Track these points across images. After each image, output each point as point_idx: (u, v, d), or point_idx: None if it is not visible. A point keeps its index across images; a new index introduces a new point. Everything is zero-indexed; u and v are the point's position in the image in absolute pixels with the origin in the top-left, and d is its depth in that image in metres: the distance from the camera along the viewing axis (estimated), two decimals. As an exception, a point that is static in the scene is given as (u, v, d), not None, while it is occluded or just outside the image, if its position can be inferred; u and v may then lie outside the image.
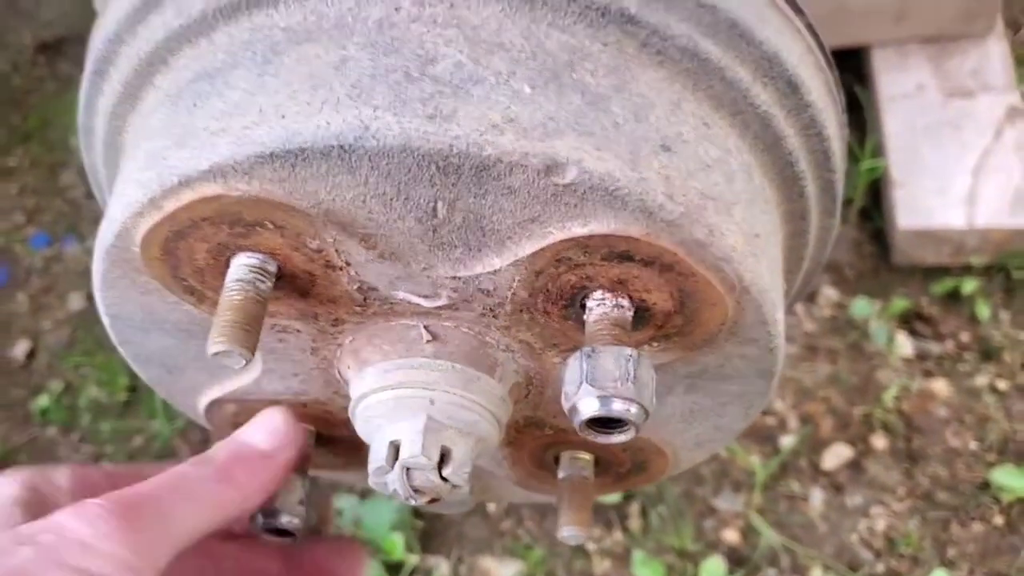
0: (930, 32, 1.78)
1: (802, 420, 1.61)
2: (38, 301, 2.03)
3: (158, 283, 0.62)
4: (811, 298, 1.71)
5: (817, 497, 1.55)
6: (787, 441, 1.59)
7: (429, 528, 1.60)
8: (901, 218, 1.66)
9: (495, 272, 0.58)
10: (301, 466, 0.74)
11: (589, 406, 0.53)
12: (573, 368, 0.55)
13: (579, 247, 0.55)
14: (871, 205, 1.77)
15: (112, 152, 0.72)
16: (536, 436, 0.75)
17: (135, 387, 1.85)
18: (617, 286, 0.58)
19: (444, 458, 0.62)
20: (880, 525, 1.52)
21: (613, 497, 1.56)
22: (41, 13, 2.47)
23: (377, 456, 0.62)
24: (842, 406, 1.62)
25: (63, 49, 2.43)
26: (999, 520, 1.50)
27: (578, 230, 0.54)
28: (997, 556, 1.47)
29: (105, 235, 0.60)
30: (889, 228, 1.71)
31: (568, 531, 0.72)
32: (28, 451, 1.84)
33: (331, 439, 0.77)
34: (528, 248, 0.56)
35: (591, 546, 1.55)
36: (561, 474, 0.76)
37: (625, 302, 0.58)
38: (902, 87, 1.78)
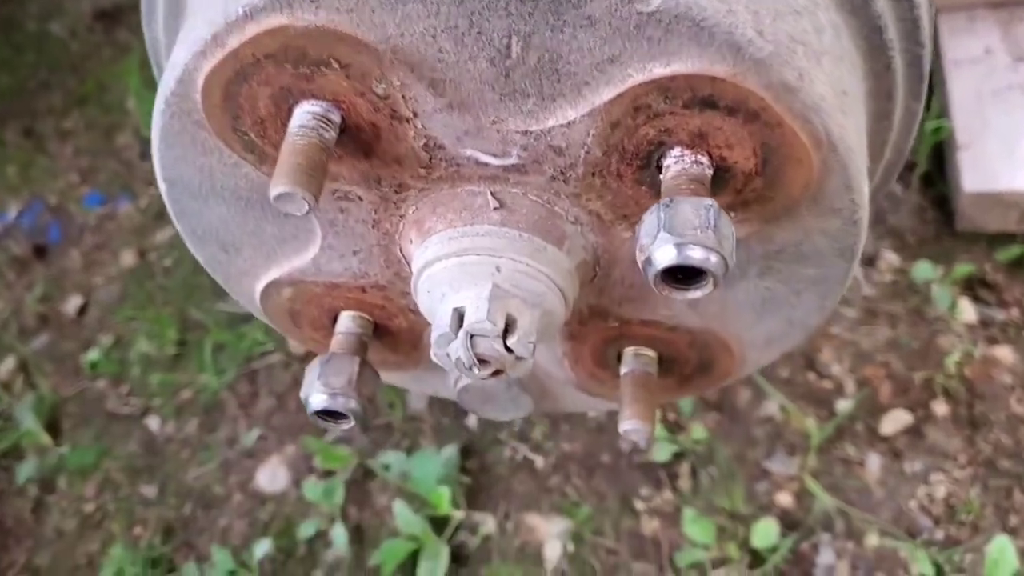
0: (999, -3, 1.73)
1: (859, 384, 1.56)
2: (91, 258, 2.04)
3: (218, 139, 0.60)
4: (871, 262, 1.67)
5: (874, 462, 1.51)
6: (844, 405, 1.55)
7: (476, 484, 1.58)
8: (966, 181, 1.61)
9: (569, 125, 0.56)
10: (358, 351, 0.72)
11: (666, 254, 0.51)
12: (649, 220, 0.52)
13: (660, 91, 0.53)
14: (934, 170, 1.72)
15: (172, 20, 0.70)
16: (599, 329, 0.72)
17: (184, 341, 1.85)
18: (697, 141, 0.55)
19: (509, 327, 0.60)
20: (940, 492, 1.47)
21: (662, 455, 1.52)
22: (99, -19, 2.50)
23: (441, 323, 0.60)
24: (902, 371, 1.57)
25: (120, 17, 2.46)
26: (1066, 489, 1.44)
27: (659, 70, 0.52)
28: (1063, 526, 1.42)
29: (167, 82, 0.58)
30: (953, 192, 1.66)
31: (630, 424, 0.69)
32: (77, 402, 1.85)
33: (388, 331, 0.75)
34: (606, 94, 0.54)
35: (640, 505, 1.51)
36: (624, 369, 0.73)
37: (704, 159, 0.56)
38: (969, 51, 1.73)
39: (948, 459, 1.50)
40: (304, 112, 0.56)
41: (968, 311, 1.60)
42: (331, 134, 0.56)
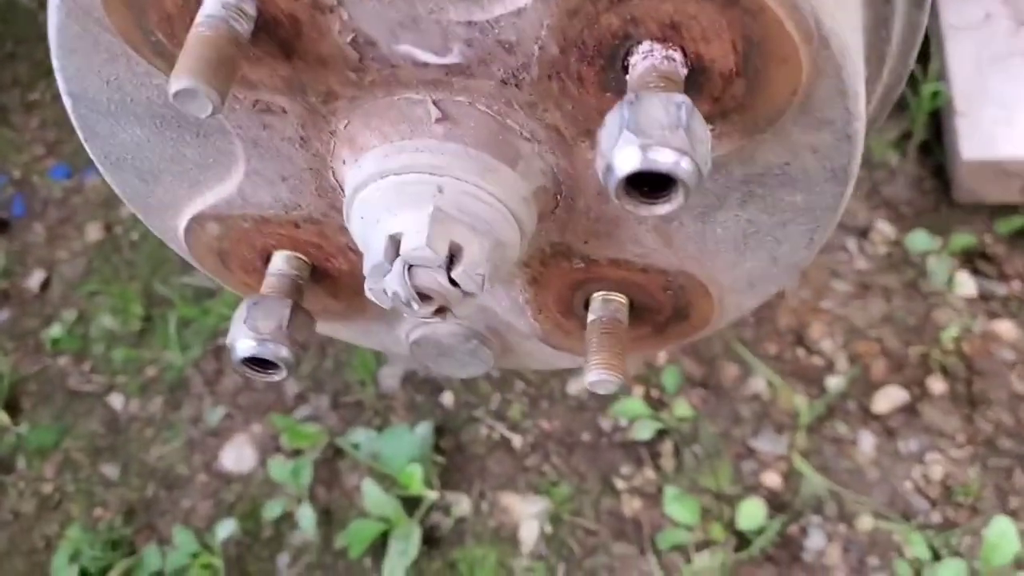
0: (1000, -41, 1.66)
1: (852, 361, 1.49)
2: (55, 232, 1.96)
3: (123, 40, 0.52)
4: (864, 234, 1.59)
5: (867, 442, 1.44)
6: (835, 382, 1.48)
7: (450, 463, 1.50)
8: (965, 149, 1.54)
9: (519, 12, 0.49)
10: (291, 295, 0.64)
11: (629, 158, 0.43)
12: (611, 120, 0.45)
13: (623, -32, 0.45)
14: (932, 138, 1.65)
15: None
16: (564, 271, 0.65)
17: (149, 316, 1.77)
18: (668, 33, 0.48)
19: (454, 256, 0.52)
20: (936, 472, 1.40)
21: (644, 433, 1.45)
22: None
23: (374, 252, 0.53)
24: (896, 347, 1.50)
25: (90, -15, 2.37)
26: (1068, 469, 1.37)
27: (622, -59, 0.44)
28: (1066, 507, 1.35)
29: (59, -29, 0.51)
30: (951, 161, 1.59)
31: (597, 374, 0.62)
32: (38, 380, 1.77)
33: (328, 275, 0.68)
34: (560, -26, 0.46)
35: (620, 484, 1.44)
36: (591, 317, 0.66)
37: (677, 55, 0.48)
38: (969, 16, 1.66)
39: (945, 438, 1.43)
40: (214, 1, 0.48)
41: (967, 284, 1.53)
42: (244, 26, 0.48)
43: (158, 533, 1.58)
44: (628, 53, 0.49)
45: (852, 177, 0.55)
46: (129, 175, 0.63)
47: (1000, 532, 1.29)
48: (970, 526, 1.35)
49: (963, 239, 1.55)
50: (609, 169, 0.44)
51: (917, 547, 1.33)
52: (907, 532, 1.35)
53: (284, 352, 0.61)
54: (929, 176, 1.64)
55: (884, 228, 1.59)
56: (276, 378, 0.63)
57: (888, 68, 0.65)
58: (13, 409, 1.75)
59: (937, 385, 1.46)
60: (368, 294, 0.54)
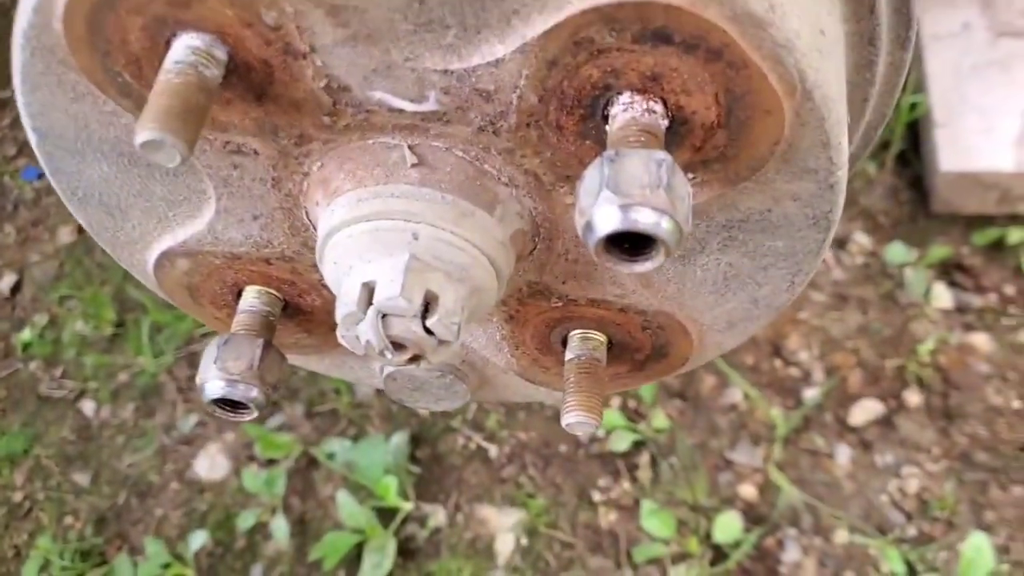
0: (979, -31, 1.66)
1: (828, 372, 1.49)
2: (26, 233, 1.93)
3: (88, 80, 0.51)
4: (841, 245, 1.59)
5: (843, 454, 1.44)
6: (811, 394, 1.48)
7: (426, 473, 1.49)
8: (943, 160, 1.54)
9: (497, 63, 0.47)
10: (263, 332, 0.63)
11: (609, 218, 0.42)
12: (591, 176, 0.43)
13: (604, 22, 0.44)
14: (909, 149, 1.65)
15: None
16: (542, 309, 0.64)
17: (122, 322, 1.75)
18: (649, 85, 0.46)
19: (429, 305, 0.51)
20: (912, 486, 1.40)
21: (621, 445, 1.45)
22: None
23: (347, 299, 0.51)
24: (873, 359, 1.50)
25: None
26: (1042, 483, 1.38)
27: (603, -6, 0.43)
28: (1039, 521, 1.35)
29: (23, 9, 0.49)
30: (929, 172, 1.59)
31: (574, 417, 0.61)
32: (7, 385, 1.74)
33: (301, 310, 0.66)
34: (540, 25, 0.45)
35: (597, 496, 1.44)
36: (569, 355, 0.65)
37: (658, 107, 0.47)
38: (947, 25, 1.66)
39: (921, 452, 1.43)
40: (183, 46, 0.47)
41: (943, 296, 1.53)
42: (214, 72, 0.47)
43: (129, 542, 1.56)
44: (608, 103, 0.48)
45: (834, 224, 0.55)
46: (96, 211, 0.61)
47: (976, 547, 1.30)
48: (946, 541, 1.35)
49: (940, 250, 1.55)
50: (589, 227, 0.43)
51: (893, 562, 1.33)
52: (883, 546, 1.35)
53: (254, 393, 0.59)
54: (907, 187, 1.64)
55: (861, 239, 1.59)
56: (246, 418, 0.61)
57: (871, 107, 0.65)
58: (-18, 415, 1.72)
59: (913, 398, 1.47)
60: (340, 340, 0.53)
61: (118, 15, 0.47)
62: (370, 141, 0.52)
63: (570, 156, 0.51)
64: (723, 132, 0.48)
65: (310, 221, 0.57)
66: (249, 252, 0.61)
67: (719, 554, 1.37)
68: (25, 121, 0.57)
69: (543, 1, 0.44)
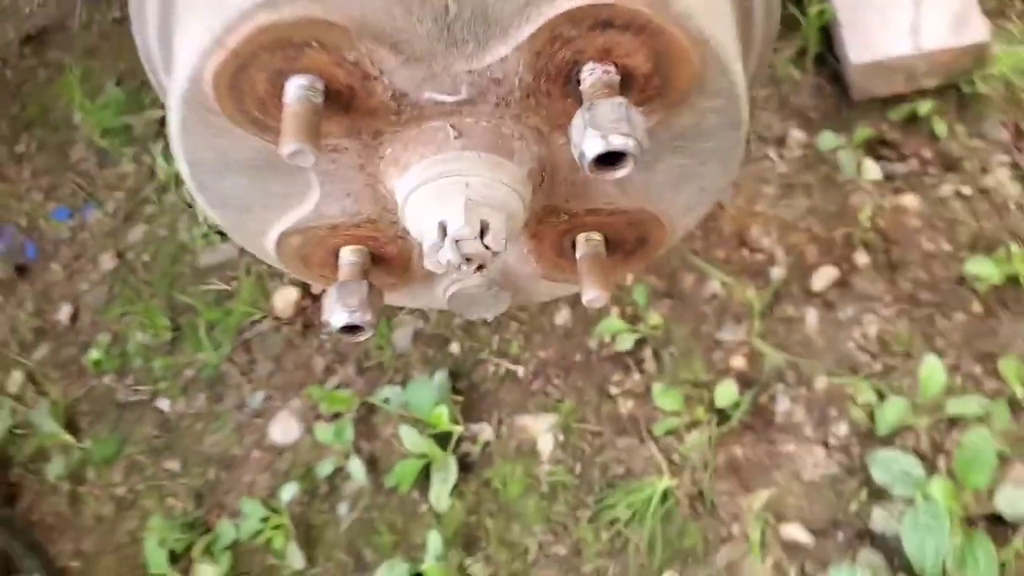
0: None
1: (788, 251, 1.75)
2: (71, 268, 2.16)
3: (228, 120, 0.75)
4: (781, 142, 1.85)
5: (812, 316, 1.70)
6: (777, 272, 1.74)
7: (468, 400, 1.75)
8: (853, 55, 1.79)
9: (503, 60, 0.72)
10: (363, 277, 0.88)
11: (594, 145, 0.67)
12: (577, 122, 0.69)
13: (570, 21, 0.69)
14: (825, 51, 1.90)
15: (164, 27, 0.84)
16: (554, 224, 0.89)
17: (177, 326, 1.99)
18: (604, 55, 0.71)
19: (484, 229, 0.76)
20: (872, 330, 1.67)
21: (625, 345, 1.71)
22: (20, 7, 2.57)
23: (430, 236, 0.76)
24: (823, 233, 1.76)
25: (47, 38, 2.52)
26: (978, 308, 1.65)
27: (566, 4, 0.68)
28: (980, 339, 1.62)
29: (179, 81, 0.73)
30: (844, 67, 1.84)
31: (592, 294, 0.86)
32: (88, 400, 1.98)
33: (383, 258, 0.91)
34: (527, 30, 0.69)
35: (614, 390, 1.70)
36: (579, 254, 0.90)
37: (612, 69, 0.72)
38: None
39: (875, 301, 1.70)
40: (295, 86, 0.71)
41: (873, 170, 1.79)
42: (319, 99, 0.71)
43: (227, 509, 1.81)
44: (579, 72, 0.73)
45: (745, 123, 0.80)
46: (231, 212, 0.86)
47: (930, 368, 1.56)
48: (906, 368, 1.62)
49: (864, 131, 1.81)
50: (583, 155, 0.68)
51: (866, 393, 1.60)
52: (856, 383, 1.62)
53: (369, 317, 0.84)
54: (828, 83, 1.89)
55: (797, 134, 1.85)
56: (363, 338, 0.86)
57: (758, 28, 0.90)
58: (73, 429, 1.96)
59: (862, 258, 1.73)
60: (427, 266, 0.78)
61: (250, 73, 0.71)
62: (424, 126, 0.77)
63: (558, 111, 0.76)
64: (657, 77, 0.73)
65: (386, 190, 0.82)
66: (345, 221, 0.86)
67: (723, 417, 1.64)
68: (180, 156, 0.81)
69: (526, 15, 0.69)
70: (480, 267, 0.78)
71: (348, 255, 0.89)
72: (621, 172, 0.70)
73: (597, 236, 0.90)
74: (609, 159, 0.69)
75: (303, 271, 0.91)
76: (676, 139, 0.81)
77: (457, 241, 0.76)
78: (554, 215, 0.88)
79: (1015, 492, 1.46)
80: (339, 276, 0.88)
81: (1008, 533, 1.45)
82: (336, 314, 0.83)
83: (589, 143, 0.67)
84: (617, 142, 0.67)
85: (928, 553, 1.40)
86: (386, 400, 1.76)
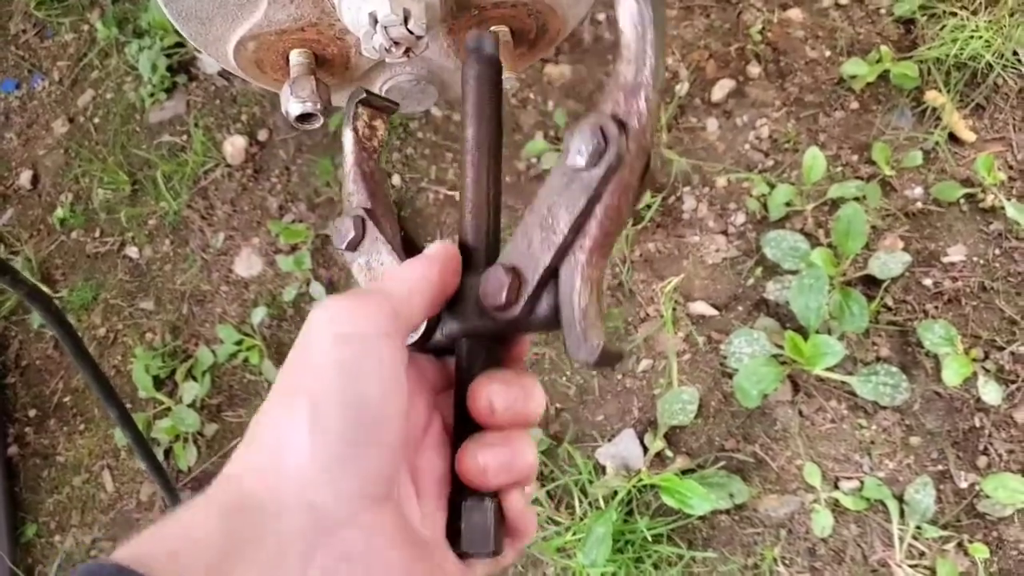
0: None
1: (689, 68, 1.95)
2: (26, 135, 2.28)
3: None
4: (681, -32, 2.02)
5: (712, 124, 1.91)
6: (680, 88, 1.94)
7: (413, 224, 1.95)
8: None
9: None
10: (311, 73, 1.05)
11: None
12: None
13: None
14: None
15: None
16: (467, 18, 1.07)
17: (136, 180, 2.14)
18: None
19: (407, 16, 0.94)
20: (765, 132, 1.88)
21: (550, 163, 1.90)
22: None
23: (363, 25, 0.94)
24: (720, 48, 1.95)
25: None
26: (855, 105, 1.86)
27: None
28: (857, 132, 1.85)
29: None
30: None
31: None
32: (60, 254, 2.14)
33: (326, 59, 1.09)
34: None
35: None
36: (490, 43, 1.09)
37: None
38: None
39: (767, 106, 1.91)
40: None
41: (762, -12, 1.97)
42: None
43: (203, 337, 2.01)
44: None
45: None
46: (193, 23, 1.02)
47: (812, 157, 1.79)
48: (793, 160, 1.85)
49: (753, -46, 1.99)
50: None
51: (760, 186, 1.83)
52: (752, 178, 1.84)
53: (320, 106, 1.02)
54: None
55: (694, -40, 2.02)
56: (315, 125, 1.04)
57: None
58: (49, 282, 2.13)
59: (754, 69, 1.93)
60: (364, 52, 0.96)
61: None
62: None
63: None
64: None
65: (325, -5, 0.99)
66: (291, 26, 1.02)
67: (637, 219, 1.86)
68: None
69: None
70: (408, 51, 0.96)
71: (296, 57, 1.05)
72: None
73: (504, 28, 1.08)
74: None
75: (259, 76, 1.08)
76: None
77: (386, 28, 0.93)
78: (466, 9, 1.05)
79: (886, 256, 1.71)
80: (291, 74, 1.05)
81: (879, 291, 1.71)
82: (292, 105, 1.01)
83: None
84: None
85: (812, 308, 1.65)
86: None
